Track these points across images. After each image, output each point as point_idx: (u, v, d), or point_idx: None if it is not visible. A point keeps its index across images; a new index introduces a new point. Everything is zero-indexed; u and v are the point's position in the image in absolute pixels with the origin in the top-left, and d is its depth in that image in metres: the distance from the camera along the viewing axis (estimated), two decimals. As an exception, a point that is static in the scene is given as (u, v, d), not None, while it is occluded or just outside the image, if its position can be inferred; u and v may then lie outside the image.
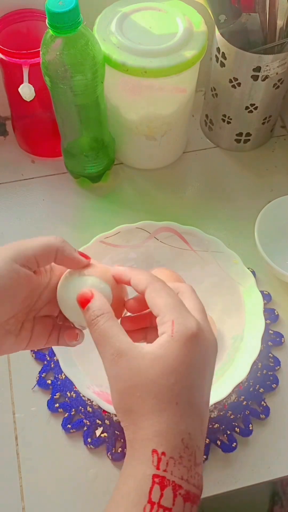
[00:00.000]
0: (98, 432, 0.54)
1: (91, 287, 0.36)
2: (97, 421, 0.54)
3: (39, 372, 0.58)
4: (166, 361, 0.31)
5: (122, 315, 0.39)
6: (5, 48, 0.60)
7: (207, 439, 0.54)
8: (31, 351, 0.59)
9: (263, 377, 0.57)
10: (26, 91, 0.59)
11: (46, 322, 0.40)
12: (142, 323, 0.39)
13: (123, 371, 0.32)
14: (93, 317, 0.34)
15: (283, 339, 0.60)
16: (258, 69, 0.63)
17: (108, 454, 0.53)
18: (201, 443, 0.32)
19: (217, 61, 0.66)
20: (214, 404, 0.51)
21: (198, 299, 0.37)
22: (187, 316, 0.33)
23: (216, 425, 0.54)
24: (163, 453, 0.30)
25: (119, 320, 0.37)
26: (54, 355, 0.57)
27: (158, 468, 0.30)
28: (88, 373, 0.53)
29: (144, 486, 0.30)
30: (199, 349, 0.32)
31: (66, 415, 0.55)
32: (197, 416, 0.32)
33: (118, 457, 0.53)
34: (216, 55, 0.66)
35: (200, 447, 0.32)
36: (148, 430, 0.31)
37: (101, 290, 0.36)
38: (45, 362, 0.58)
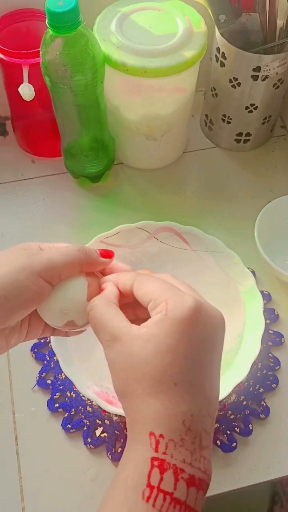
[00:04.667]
0: (98, 432, 0.54)
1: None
2: (97, 421, 0.54)
3: (39, 372, 0.58)
4: (160, 340, 0.30)
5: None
6: (5, 48, 0.60)
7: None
8: (31, 351, 0.59)
9: (263, 377, 0.57)
10: (26, 91, 0.59)
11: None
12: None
13: (118, 355, 0.31)
14: (90, 304, 0.34)
15: (283, 339, 0.60)
16: (258, 69, 0.63)
17: (108, 454, 0.53)
18: (208, 426, 0.30)
19: (217, 61, 0.66)
20: (214, 404, 0.51)
21: (183, 281, 0.35)
22: (182, 293, 0.31)
23: (216, 425, 0.54)
24: (161, 436, 0.29)
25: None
26: (54, 355, 0.57)
27: (156, 451, 0.29)
28: (88, 373, 0.53)
29: (143, 470, 0.28)
30: (201, 326, 0.31)
31: (66, 415, 0.55)
32: (202, 397, 0.30)
33: (118, 457, 0.53)
34: (216, 55, 0.66)
35: (207, 430, 0.30)
36: (145, 412, 0.30)
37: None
38: (45, 362, 0.58)
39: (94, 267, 0.37)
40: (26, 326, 0.38)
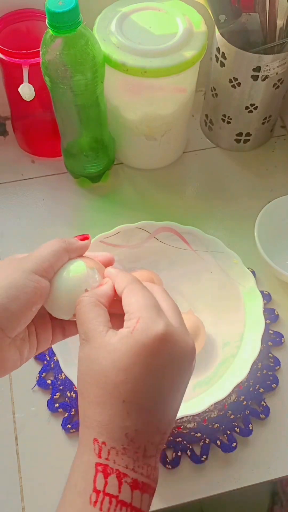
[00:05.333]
0: (98, 432, 0.54)
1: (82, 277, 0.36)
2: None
3: (39, 372, 0.58)
4: (120, 356, 0.30)
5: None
6: (5, 48, 0.60)
7: (207, 439, 0.54)
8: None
9: (263, 377, 0.57)
10: (26, 91, 0.59)
11: (44, 319, 0.39)
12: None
13: (84, 356, 0.32)
14: (80, 297, 0.34)
15: (283, 339, 0.60)
16: (258, 69, 0.63)
17: (108, 454, 0.53)
18: (156, 439, 0.31)
19: (217, 61, 0.66)
20: (214, 404, 0.51)
21: (173, 301, 0.35)
22: (156, 318, 0.31)
23: (216, 425, 0.54)
24: (103, 443, 0.30)
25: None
26: (54, 355, 0.57)
27: (99, 456, 0.30)
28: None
29: (88, 475, 0.29)
30: (164, 355, 0.31)
31: (66, 415, 0.55)
32: (151, 417, 0.31)
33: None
34: (216, 55, 0.66)
35: (154, 442, 0.31)
36: (92, 418, 0.31)
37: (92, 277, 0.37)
38: (45, 362, 0.58)
39: (77, 252, 0.38)
40: (34, 335, 0.38)
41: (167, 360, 0.31)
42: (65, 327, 0.40)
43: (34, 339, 0.38)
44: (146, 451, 0.31)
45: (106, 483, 0.29)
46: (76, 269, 0.37)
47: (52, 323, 0.39)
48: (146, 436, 0.31)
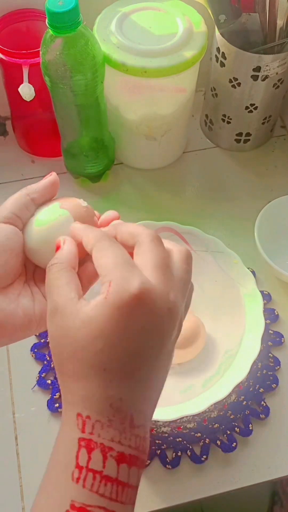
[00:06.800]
0: (98, 432, 0.54)
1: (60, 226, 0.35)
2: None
3: (39, 372, 0.58)
4: (95, 324, 0.28)
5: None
6: (5, 48, 0.60)
7: (207, 439, 0.54)
8: (31, 351, 0.59)
9: (263, 377, 0.57)
10: (26, 91, 0.59)
11: (42, 273, 0.37)
12: None
13: (55, 329, 0.30)
14: (48, 265, 0.32)
15: (283, 339, 0.60)
16: (258, 69, 0.63)
17: (108, 454, 0.53)
18: (143, 407, 0.30)
19: (217, 61, 0.66)
20: (214, 404, 0.51)
21: (161, 252, 0.32)
22: (129, 276, 0.29)
23: (216, 425, 0.54)
24: (87, 417, 0.28)
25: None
26: (54, 355, 0.57)
27: (83, 431, 0.28)
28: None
29: (71, 451, 0.28)
30: (141, 315, 0.29)
31: (66, 415, 0.55)
32: (134, 383, 0.29)
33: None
34: (216, 55, 0.66)
35: (141, 410, 0.30)
36: (74, 394, 0.29)
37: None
38: (45, 362, 0.58)
39: (42, 191, 0.37)
40: (39, 293, 0.36)
41: (144, 321, 0.29)
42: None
43: (41, 298, 0.36)
44: (133, 421, 0.29)
45: (89, 458, 0.28)
46: (47, 214, 0.36)
47: None
48: (132, 404, 0.29)
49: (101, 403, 0.29)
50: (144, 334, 0.29)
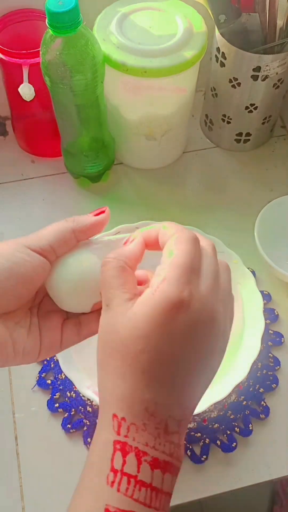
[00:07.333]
0: (98, 432, 0.54)
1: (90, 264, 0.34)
2: (97, 421, 0.54)
3: (39, 372, 0.58)
4: (138, 323, 0.28)
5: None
6: (5, 48, 0.60)
7: (207, 439, 0.54)
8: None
9: (263, 377, 0.57)
10: (26, 91, 0.59)
11: (53, 317, 0.36)
12: None
13: (106, 324, 0.30)
14: (104, 260, 0.32)
15: (283, 339, 0.60)
16: (258, 69, 0.63)
17: (108, 454, 0.53)
18: (177, 414, 0.29)
19: (217, 61, 0.66)
20: (214, 404, 0.51)
21: (214, 263, 0.32)
22: (184, 282, 0.28)
23: (216, 425, 0.54)
24: (123, 418, 0.28)
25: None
26: (54, 355, 0.57)
27: (118, 434, 0.28)
28: (88, 373, 0.53)
29: (106, 454, 0.28)
30: (184, 320, 0.28)
31: (66, 415, 0.55)
32: (169, 394, 0.29)
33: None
34: (216, 55, 0.66)
35: (175, 417, 0.29)
36: (111, 392, 0.29)
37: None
38: (45, 362, 0.58)
39: (89, 231, 0.35)
40: (37, 328, 0.35)
41: (187, 328, 0.28)
42: (82, 323, 0.36)
43: (36, 331, 0.35)
44: (168, 427, 0.29)
45: (124, 462, 0.27)
46: (87, 258, 0.34)
47: (64, 321, 0.36)
48: (167, 410, 0.29)
49: (136, 405, 0.29)
50: (186, 342, 0.29)
